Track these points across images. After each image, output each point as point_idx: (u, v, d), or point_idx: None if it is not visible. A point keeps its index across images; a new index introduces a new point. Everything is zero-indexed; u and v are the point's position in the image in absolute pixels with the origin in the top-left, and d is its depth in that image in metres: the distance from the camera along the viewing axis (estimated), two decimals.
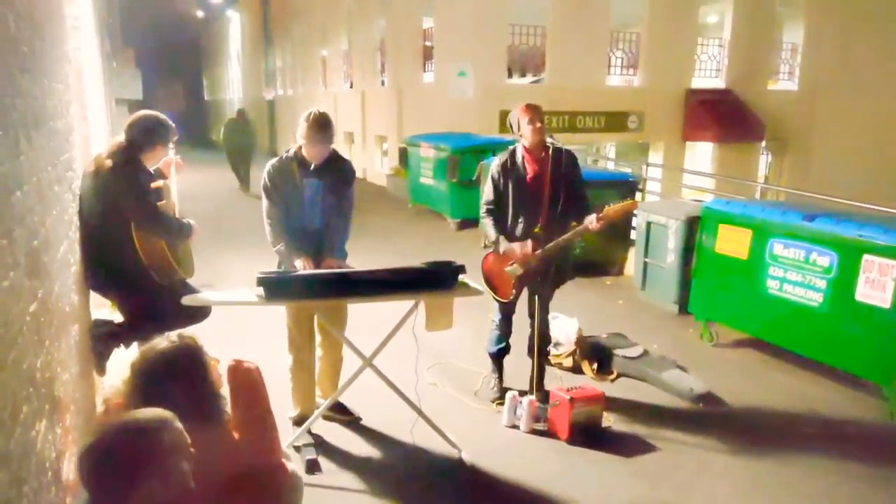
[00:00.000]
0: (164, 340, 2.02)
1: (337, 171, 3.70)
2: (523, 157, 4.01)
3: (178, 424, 1.63)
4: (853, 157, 14.99)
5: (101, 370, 3.51)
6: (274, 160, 3.71)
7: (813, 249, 4.52)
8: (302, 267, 3.50)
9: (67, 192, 2.95)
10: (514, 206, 4.00)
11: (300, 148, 3.62)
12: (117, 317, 3.75)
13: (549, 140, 3.90)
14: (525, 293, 4.15)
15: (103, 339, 3.50)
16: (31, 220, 2.04)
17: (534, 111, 3.94)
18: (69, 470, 2.19)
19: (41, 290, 2.09)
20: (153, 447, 1.56)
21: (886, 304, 4.09)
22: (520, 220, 3.98)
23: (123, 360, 2.05)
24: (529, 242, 3.87)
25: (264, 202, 3.66)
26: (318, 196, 3.65)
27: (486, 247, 4.14)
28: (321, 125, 3.54)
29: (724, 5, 15.55)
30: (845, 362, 4.43)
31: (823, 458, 3.69)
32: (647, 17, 14.15)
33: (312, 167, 3.62)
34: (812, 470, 3.58)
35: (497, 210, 4.02)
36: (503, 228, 3.98)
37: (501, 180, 4.00)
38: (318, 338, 3.81)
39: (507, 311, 4.21)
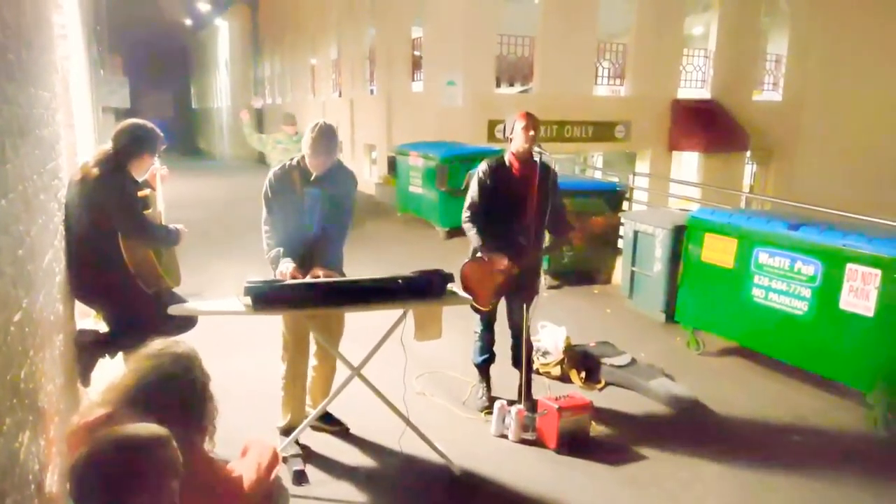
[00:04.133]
0: (164, 345, 1.99)
1: (338, 181, 3.71)
2: (511, 164, 4.05)
3: (174, 443, 1.61)
4: (837, 166, 15.20)
5: (86, 380, 3.48)
6: (276, 168, 3.72)
7: (798, 258, 4.57)
8: (286, 272, 3.45)
9: (53, 201, 2.93)
10: (500, 212, 4.02)
11: (303, 157, 3.63)
12: (102, 326, 3.71)
13: (537, 150, 3.94)
14: (503, 303, 4.17)
15: (88, 349, 3.47)
16: (17, 229, 2.02)
17: (530, 118, 3.99)
18: (53, 482, 2.16)
19: (26, 299, 2.07)
20: (149, 465, 1.54)
21: (870, 313, 4.13)
22: (504, 227, 3.99)
23: (108, 371, 2.03)
24: (506, 261, 3.90)
25: (263, 209, 3.66)
26: (318, 205, 3.65)
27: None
28: (326, 137, 3.55)
29: (709, 17, 15.75)
30: (830, 370, 4.48)
31: (810, 466, 3.72)
32: (633, 28, 14.29)
33: (314, 177, 3.62)
34: (798, 477, 3.61)
35: (479, 214, 4.03)
36: (486, 234, 3.99)
37: (489, 183, 4.02)
38: (312, 347, 3.79)
39: (488, 322, 4.23)
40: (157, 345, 2.01)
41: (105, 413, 1.85)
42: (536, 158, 3.93)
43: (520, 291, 4.06)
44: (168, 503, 1.58)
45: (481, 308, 4.08)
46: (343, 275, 3.72)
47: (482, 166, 4.09)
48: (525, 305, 4.08)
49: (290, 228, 3.62)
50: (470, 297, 3.82)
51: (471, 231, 4.03)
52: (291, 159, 3.72)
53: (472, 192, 4.07)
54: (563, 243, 3.97)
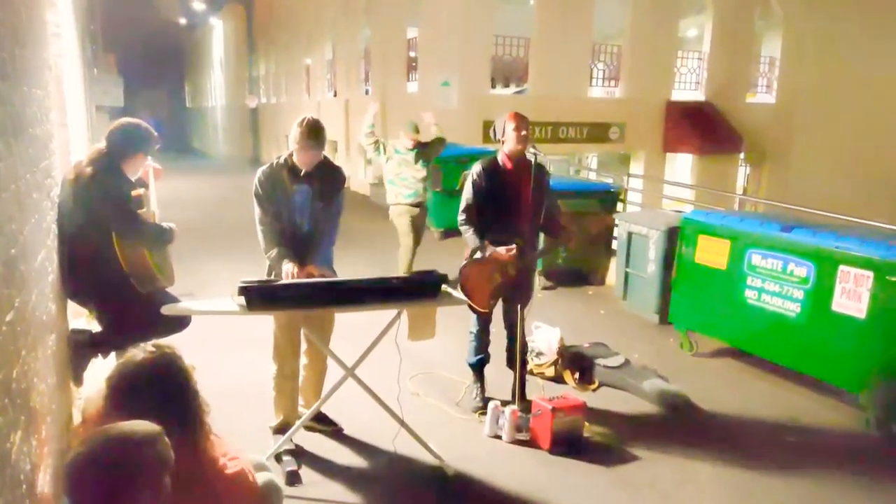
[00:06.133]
0: (142, 351, 2.00)
1: (327, 178, 3.70)
2: (504, 165, 4.05)
3: (166, 439, 1.63)
4: (830, 169, 15.29)
5: (79, 380, 3.47)
6: (265, 166, 3.71)
7: (790, 260, 4.59)
8: (291, 272, 3.47)
9: (46, 200, 2.91)
10: (494, 213, 4.02)
11: (291, 154, 3.62)
12: (95, 326, 3.70)
13: (531, 151, 3.94)
14: (500, 304, 4.17)
15: (81, 348, 3.45)
16: (9, 228, 2.01)
17: (521, 119, 3.99)
18: (44, 482, 2.15)
19: (18, 298, 2.06)
20: (146, 462, 1.56)
21: (862, 315, 4.16)
22: (499, 228, 4.00)
23: (100, 370, 2.04)
24: (512, 248, 3.89)
25: (256, 209, 3.65)
26: (308, 202, 3.64)
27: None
28: (313, 131, 3.54)
29: (703, 19, 15.83)
30: (822, 371, 4.50)
31: (802, 466, 3.74)
32: (628, 30, 14.35)
33: (303, 173, 3.61)
34: (791, 477, 3.62)
35: (475, 216, 4.03)
36: (484, 234, 3.99)
37: (483, 185, 4.02)
38: (303, 346, 3.79)
39: (485, 322, 4.23)
40: (137, 347, 2.02)
41: (94, 413, 1.85)
42: (531, 158, 3.93)
43: (516, 292, 4.06)
44: (163, 499, 1.59)
45: (480, 310, 4.08)
46: (335, 274, 3.72)
47: (475, 168, 4.09)
48: (520, 306, 4.09)
49: (282, 227, 3.62)
50: (465, 299, 3.82)
51: (468, 233, 4.03)
52: (279, 157, 3.71)
53: (467, 195, 4.07)
54: (558, 244, 3.98)
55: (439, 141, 6.75)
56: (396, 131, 6.94)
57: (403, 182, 6.55)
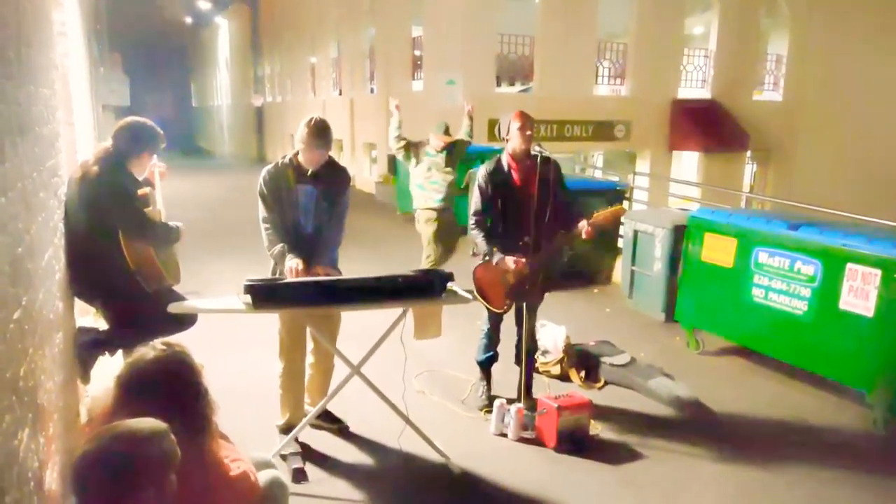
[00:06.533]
0: (152, 350, 2.01)
1: (332, 178, 3.71)
2: (509, 165, 4.04)
3: (172, 436, 1.63)
4: (837, 166, 15.21)
5: (86, 378, 3.48)
6: (270, 166, 3.71)
7: (797, 258, 4.57)
8: (296, 268, 3.47)
9: (53, 199, 2.92)
10: (502, 214, 4.01)
11: (297, 154, 3.63)
12: (102, 324, 3.71)
13: (536, 149, 3.93)
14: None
15: (88, 346, 3.47)
16: (16, 227, 2.02)
17: (526, 118, 3.98)
18: (52, 480, 2.16)
19: (25, 297, 2.06)
20: (151, 458, 1.57)
21: (869, 313, 4.13)
22: (508, 228, 3.99)
23: (108, 368, 2.04)
24: (520, 260, 3.87)
25: (260, 208, 3.65)
26: (312, 202, 3.65)
27: (474, 255, 4.15)
28: (320, 131, 3.55)
29: (709, 17, 15.76)
30: (829, 370, 4.48)
31: (808, 465, 3.72)
32: (633, 28, 14.30)
33: (308, 173, 3.62)
34: (797, 477, 3.61)
35: (485, 220, 4.04)
36: (493, 240, 3.98)
37: (489, 188, 4.02)
38: (310, 345, 3.80)
39: (495, 320, 4.23)
40: (148, 345, 2.03)
41: (101, 413, 1.86)
42: (535, 154, 3.92)
43: (531, 290, 4.05)
44: (168, 496, 1.60)
45: (495, 310, 4.08)
46: (340, 273, 3.72)
47: (481, 171, 4.09)
48: (527, 304, 4.08)
49: (287, 226, 3.62)
50: (470, 297, 3.81)
51: (478, 238, 4.03)
52: (284, 156, 3.71)
53: (475, 199, 4.07)
54: (569, 241, 3.94)
55: (463, 142, 6.54)
56: (414, 130, 6.79)
57: (434, 186, 6.26)
